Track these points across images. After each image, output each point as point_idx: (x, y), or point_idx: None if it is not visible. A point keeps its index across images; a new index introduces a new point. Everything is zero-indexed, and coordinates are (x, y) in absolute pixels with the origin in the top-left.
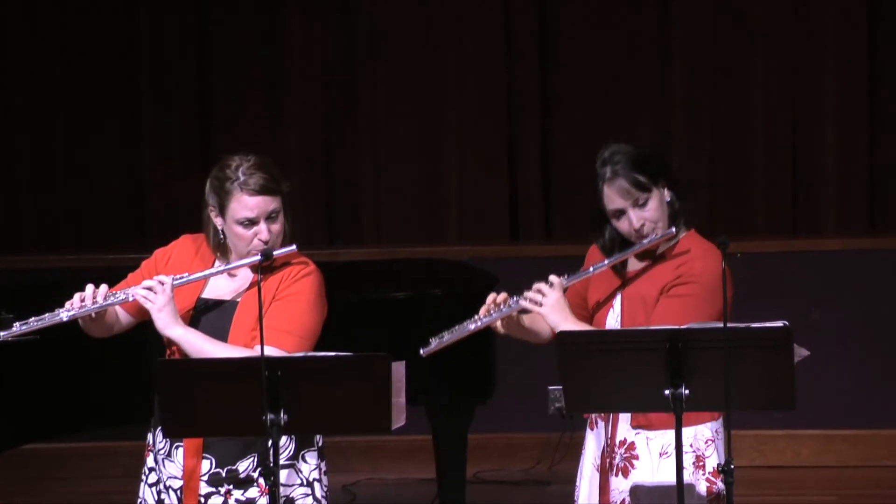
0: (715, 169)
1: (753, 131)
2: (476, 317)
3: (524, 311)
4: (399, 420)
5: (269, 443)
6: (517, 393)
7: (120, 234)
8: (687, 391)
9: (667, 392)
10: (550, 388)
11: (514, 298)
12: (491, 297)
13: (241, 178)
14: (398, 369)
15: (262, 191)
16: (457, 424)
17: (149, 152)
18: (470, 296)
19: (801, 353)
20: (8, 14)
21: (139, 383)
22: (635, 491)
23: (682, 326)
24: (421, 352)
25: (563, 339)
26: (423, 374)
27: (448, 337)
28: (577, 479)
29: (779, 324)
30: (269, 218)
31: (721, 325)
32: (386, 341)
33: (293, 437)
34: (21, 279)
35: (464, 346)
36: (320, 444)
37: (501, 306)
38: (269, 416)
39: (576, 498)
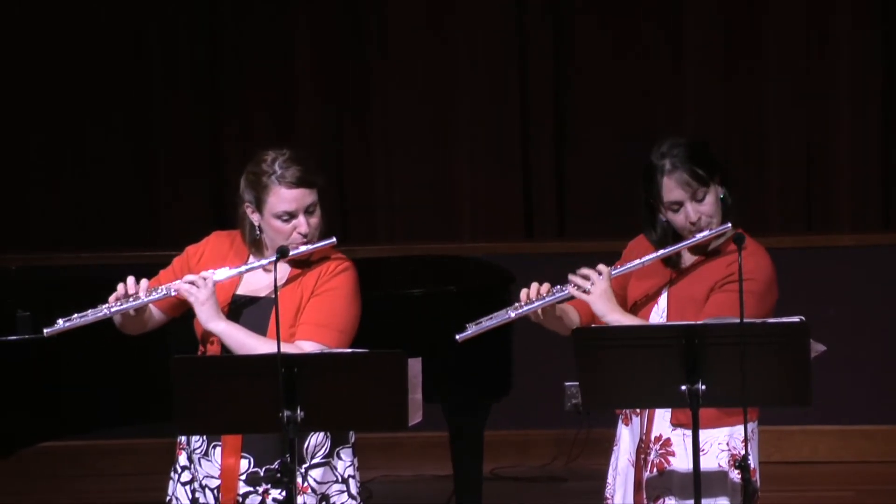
0: (729, 166)
1: (767, 128)
2: (517, 304)
3: (567, 299)
4: (415, 417)
5: (308, 443)
6: (533, 389)
7: (129, 236)
8: (703, 387)
9: (683, 388)
10: (567, 384)
11: (559, 287)
12: (534, 287)
13: (279, 172)
14: (414, 366)
15: (299, 183)
16: (473, 421)
17: (157, 153)
18: (485, 293)
19: (817, 348)
20: (18, 13)
21: (158, 381)
22: (668, 481)
23: (698, 322)
24: (457, 337)
25: (579, 335)
26: (440, 371)
27: (486, 323)
28: (610, 475)
29: (795, 319)
30: (308, 211)
31: (737, 320)
32: (402, 338)
33: (329, 434)
34: (35, 277)
35: (480, 343)
36: (353, 440)
37: (544, 295)
38: (286, 413)
39: (609, 495)
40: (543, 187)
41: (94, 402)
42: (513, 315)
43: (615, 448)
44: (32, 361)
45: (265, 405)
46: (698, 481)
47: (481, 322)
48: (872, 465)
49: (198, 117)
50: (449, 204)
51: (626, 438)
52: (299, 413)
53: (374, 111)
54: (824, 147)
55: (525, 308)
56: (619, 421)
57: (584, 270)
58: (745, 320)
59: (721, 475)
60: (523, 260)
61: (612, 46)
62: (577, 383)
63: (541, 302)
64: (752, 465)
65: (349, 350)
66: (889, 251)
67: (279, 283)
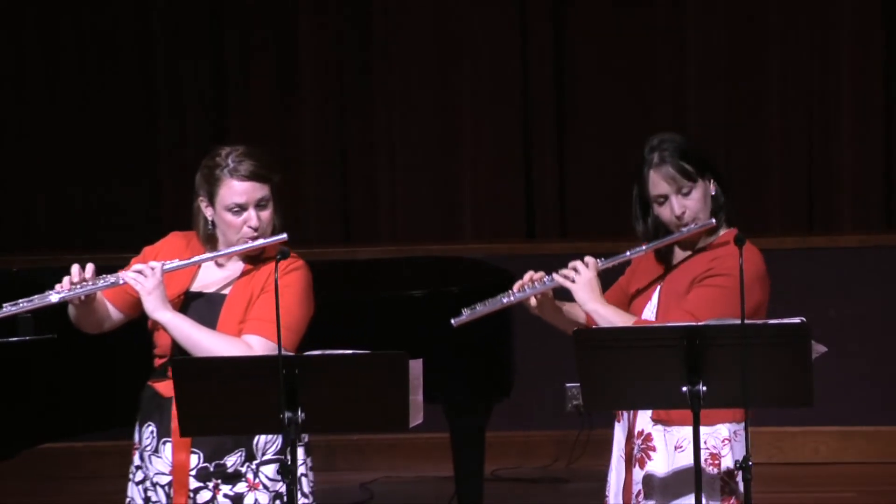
0: (731, 166)
1: (769, 128)
2: (510, 291)
3: (558, 288)
4: (416, 418)
5: (258, 439)
6: (535, 390)
7: (132, 234)
8: (705, 388)
9: (684, 389)
10: (568, 385)
11: (549, 276)
12: (528, 274)
13: (231, 165)
14: (415, 367)
15: (251, 177)
16: (474, 422)
17: (162, 156)
18: (486, 293)
19: (818, 349)
20: (23, 12)
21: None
22: (649, 481)
23: (699, 323)
24: (452, 322)
25: (581, 336)
26: (441, 372)
27: (480, 309)
28: (608, 472)
29: (796, 320)
30: (259, 205)
31: (738, 321)
32: (403, 339)
33: None
34: (37, 278)
35: (481, 343)
36: (306, 439)
37: (536, 283)
38: (287, 415)
39: (608, 493)
40: (545, 188)
41: (94, 403)
42: (505, 301)
43: (613, 445)
44: (33, 362)
45: (266, 406)
46: (699, 482)
47: (475, 307)
48: (874, 466)
49: (200, 118)
50: (451, 204)
51: (618, 435)
52: (300, 414)
53: (377, 112)
54: (826, 148)
55: (517, 296)
56: (614, 419)
57: (573, 262)
58: (745, 321)
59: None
60: (525, 260)
61: (614, 46)
62: (578, 384)
63: (532, 291)
64: (732, 466)
65: (351, 351)
66: (891, 252)
67: (231, 280)
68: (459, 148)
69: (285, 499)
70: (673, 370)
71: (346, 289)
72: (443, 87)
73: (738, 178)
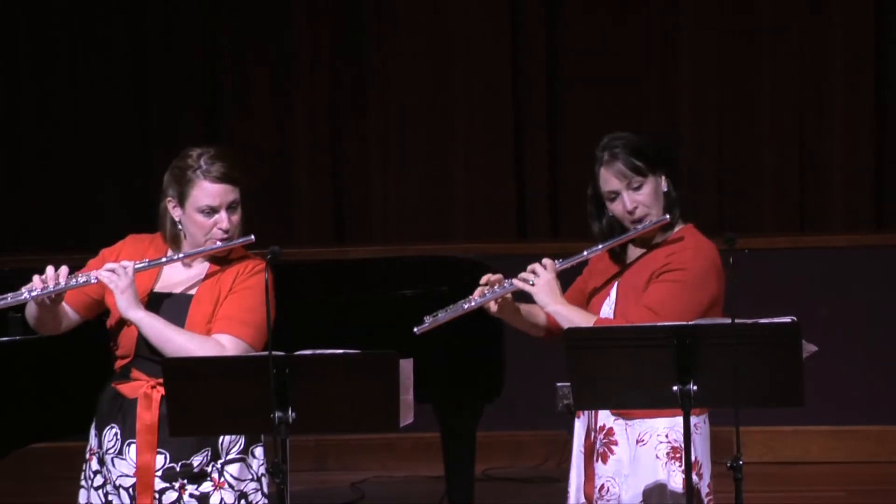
0: (722, 166)
1: (761, 129)
2: (470, 297)
3: (517, 291)
4: (407, 418)
5: (223, 438)
6: (525, 390)
7: (124, 229)
8: (695, 387)
9: (675, 388)
10: (559, 384)
11: (509, 280)
12: (485, 278)
13: (204, 167)
14: (406, 367)
15: (223, 179)
16: (465, 422)
17: (157, 157)
18: None
19: (809, 348)
20: (17, 9)
21: None
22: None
23: (689, 322)
24: (415, 330)
25: (571, 335)
26: (432, 372)
27: (442, 315)
28: (570, 469)
29: (787, 319)
30: (230, 208)
31: (729, 320)
32: (394, 339)
33: None
34: (28, 279)
35: (472, 343)
36: (264, 439)
37: (496, 287)
38: (278, 415)
39: (568, 488)
40: (537, 187)
41: (87, 402)
42: (466, 307)
43: (573, 441)
44: (24, 362)
45: (257, 406)
46: (689, 481)
47: (437, 315)
48: (864, 466)
49: (196, 118)
50: (443, 204)
51: (578, 430)
52: (290, 414)
53: (370, 112)
54: (817, 148)
55: (478, 301)
56: (574, 415)
57: (531, 266)
58: (736, 320)
59: (661, 486)
60: (517, 260)
61: (606, 49)
62: (568, 384)
63: (492, 295)
64: (694, 459)
65: (342, 351)
66: (881, 251)
67: (197, 281)
68: (452, 148)
69: (250, 498)
70: (663, 369)
71: (337, 288)
72: (435, 88)
73: (731, 178)
